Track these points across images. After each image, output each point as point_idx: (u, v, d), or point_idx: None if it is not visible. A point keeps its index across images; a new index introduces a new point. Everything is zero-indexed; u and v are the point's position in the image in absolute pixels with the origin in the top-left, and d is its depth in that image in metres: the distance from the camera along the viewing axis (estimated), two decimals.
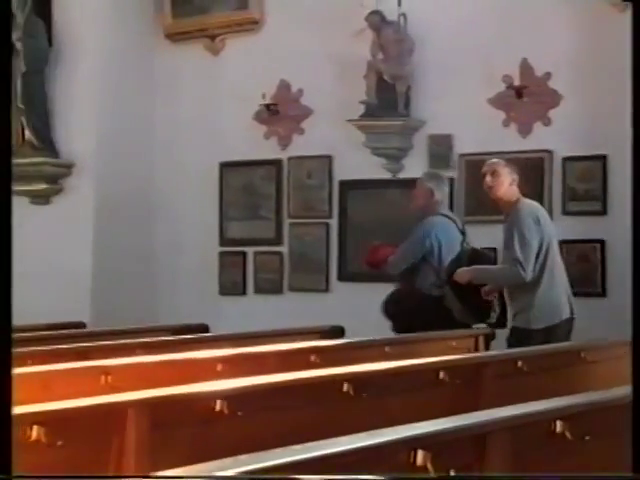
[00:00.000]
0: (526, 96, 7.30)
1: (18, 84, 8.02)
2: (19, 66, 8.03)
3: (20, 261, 8.93)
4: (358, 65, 7.70)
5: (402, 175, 7.79)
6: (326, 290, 7.91)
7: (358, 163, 7.77)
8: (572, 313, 6.03)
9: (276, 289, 8.14)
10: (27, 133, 8.07)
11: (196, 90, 8.46)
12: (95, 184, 8.13)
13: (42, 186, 8.15)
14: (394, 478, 2.17)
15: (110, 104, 8.26)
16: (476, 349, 5.84)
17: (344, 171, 7.93)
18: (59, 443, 2.52)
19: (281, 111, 8.15)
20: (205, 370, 3.91)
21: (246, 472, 1.68)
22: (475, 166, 7.58)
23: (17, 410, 2.20)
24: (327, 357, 4.52)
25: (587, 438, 2.52)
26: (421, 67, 7.71)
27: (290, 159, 8.15)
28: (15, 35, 8.10)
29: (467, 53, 7.54)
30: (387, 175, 7.81)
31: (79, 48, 8.17)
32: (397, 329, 6.44)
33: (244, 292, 8.28)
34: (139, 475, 2.51)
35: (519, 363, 4.34)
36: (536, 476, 2.64)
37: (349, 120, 7.68)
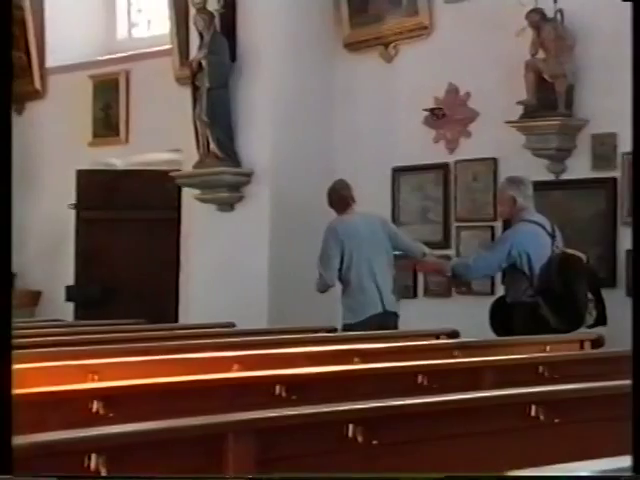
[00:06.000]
0: None
1: (203, 99, 8.54)
2: (204, 82, 8.54)
3: (210, 265, 9.43)
4: (522, 65, 7.57)
5: (566, 176, 7.59)
6: (491, 293, 7.79)
7: (522, 165, 7.61)
8: (384, 308, 6.94)
9: (445, 292, 8.14)
10: (212, 145, 8.54)
11: (371, 97, 8.61)
12: (272, 191, 8.48)
13: (225, 194, 8.60)
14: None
15: (289, 114, 8.59)
16: None
17: (508, 173, 7.74)
18: None
19: (449, 115, 8.14)
20: (220, 370, 4.08)
21: None
22: None
23: None
24: (369, 359, 4.58)
25: (374, 442, 2.48)
26: (583, 64, 7.45)
27: (457, 162, 8.13)
28: (201, 53, 8.65)
29: (630, 47, 7.19)
30: (550, 176, 7.61)
31: (260, 61, 8.54)
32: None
33: (415, 295, 8.34)
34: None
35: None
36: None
37: (507, 122, 7.56)
